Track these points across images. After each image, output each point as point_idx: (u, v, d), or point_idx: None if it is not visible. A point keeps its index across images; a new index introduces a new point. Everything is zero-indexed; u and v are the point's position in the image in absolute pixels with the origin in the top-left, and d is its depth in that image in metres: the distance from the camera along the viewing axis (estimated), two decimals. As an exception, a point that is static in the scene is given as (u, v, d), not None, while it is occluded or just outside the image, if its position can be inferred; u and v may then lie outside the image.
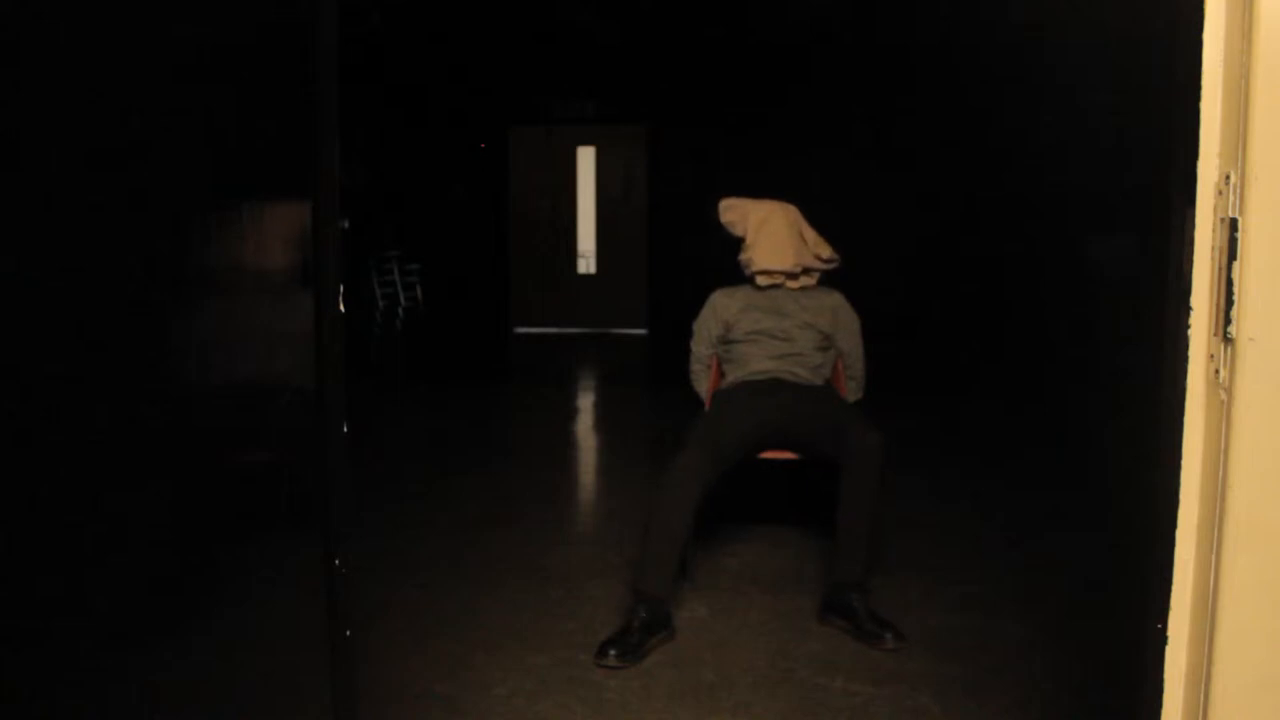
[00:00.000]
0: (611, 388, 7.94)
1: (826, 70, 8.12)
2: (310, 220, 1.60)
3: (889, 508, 3.35)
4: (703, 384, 3.69)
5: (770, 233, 3.51)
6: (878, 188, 7.80)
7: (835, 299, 3.59)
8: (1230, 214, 1.33)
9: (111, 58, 1.21)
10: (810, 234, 3.58)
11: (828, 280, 3.65)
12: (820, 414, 3.27)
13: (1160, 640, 1.45)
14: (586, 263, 11.03)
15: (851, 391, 3.67)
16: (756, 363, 3.47)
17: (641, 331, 10.07)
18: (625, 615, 2.91)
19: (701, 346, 3.66)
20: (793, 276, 3.54)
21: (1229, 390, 1.34)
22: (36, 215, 1.10)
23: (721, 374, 3.66)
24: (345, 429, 1.63)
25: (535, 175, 10.67)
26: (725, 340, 3.58)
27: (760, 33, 8.24)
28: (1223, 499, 1.36)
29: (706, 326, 3.63)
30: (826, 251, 3.57)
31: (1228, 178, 1.34)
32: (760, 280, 3.53)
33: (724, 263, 3.70)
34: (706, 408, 3.57)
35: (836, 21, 7.83)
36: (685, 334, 3.75)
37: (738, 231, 3.58)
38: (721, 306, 3.59)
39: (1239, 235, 1.32)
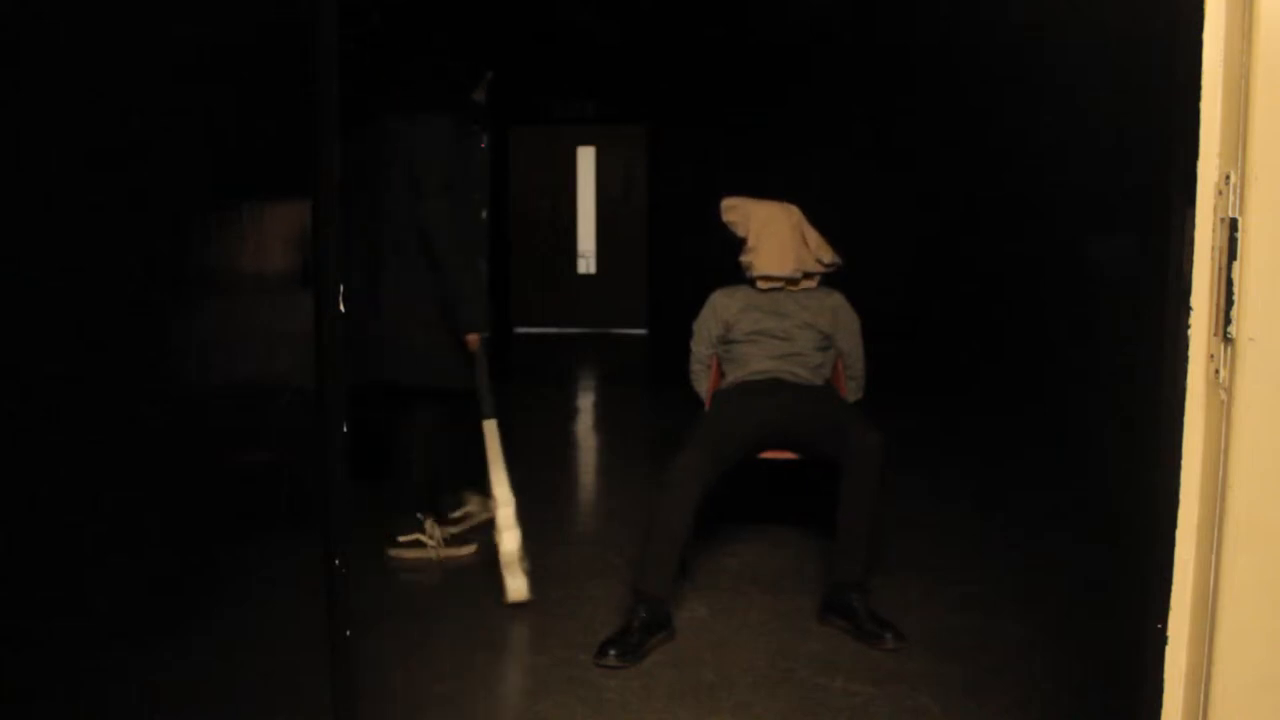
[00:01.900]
0: (611, 388, 7.94)
1: (826, 70, 8.12)
2: (310, 220, 1.60)
3: (889, 508, 3.35)
4: (703, 384, 3.70)
5: (772, 236, 3.51)
6: (878, 188, 7.79)
7: (836, 299, 3.60)
8: (1230, 214, 1.33)
9: (111, 58, 1.21)
10: (813, 236, 3.57)
11: (829, 280, 3.66)
12: (820, 414, 3.27)
13: (1160, 640, 1.45)
14: (586, 263, 11.02)
15: (851, 392, 3.67)
16: (756, 363, 3.47)
17: (641, 331, 10.07)
18: (625, 615, 2.91)
19: (701, 346, 3.66)
20: (793, 282, 3.54)
21: (1229, 390, 1.34)
22: (36, 215, 1.10)
23: (721, 374, 3.66)
24: (345, 429, 1.63)
25: (535, 175, 10.67)
26: (725, 340, 3.58)
27: (760, 33, 8.23)
28: (1223, 499, 1.36)
29: (706, 327, 3.63)
30: (828, 256, 3.57)
31: (1228, 178, 1.34)
32: (761, 285, 3.54)
33: (724, 263, 3.70)
34: (706, 407, 3.57)
35: (836, 21, 7.82)
36: (685, 334, 3.75)
37: (740, 232, 3.58)
38: (721, 306, 3.59)
39: (1239, 235, 1.32)
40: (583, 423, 6.63)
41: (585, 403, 7.41)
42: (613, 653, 2.74)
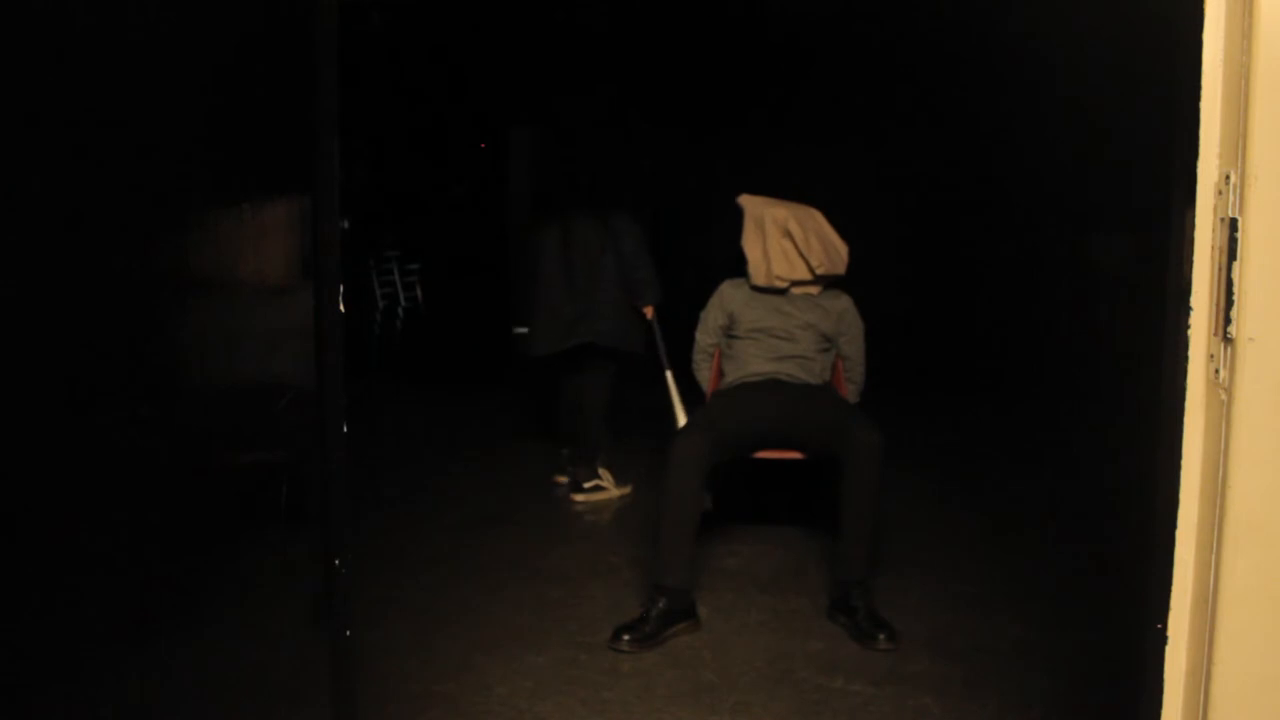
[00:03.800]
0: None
1: (826, 70, 8.12)
2: (310, 221, 1.60)
3: (889, 507, 3.35)
4: (704, 372, 3.72)
5: (754, 244, 3.52)
6: (878, 188, 7.79)
7: (843, 303, 3.58)
8: (1230, 214, 1.33)
9: (111, 58, 1.21)
10: (811, 239, 3.51)
11: (839, 283, 3.64)
12: (819, 413, 3.27)
13: (1160, 640, 1.45)
14: (587, 263, 11.00)
15: (850, 395, 3.65)
16: (756, 364, 3.46)
17: (641, 331, 10.05)
18: (644, 604, 2.92)
19: (705, 336, 3.68)
20: (777, 292, 3.52)
21: (1229, 390, 1.34)
22: (37, 215, 1.10)
23: (721, 374, 3.66)
24: (345, 429, 1.63)
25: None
26: (729, 334, 3.58)
27: (760, 33, 8.23)
28: (1223, 499, 1.35)
29: (711, 316, 3.65)
30: (822, 266, 3.51)
31: (1228, 178, 1.34)
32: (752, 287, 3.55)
33: (725, 264, 3.70)
34: (708, 397, 3.58)
35: (836, 21, 7.82)
36: (685, 334, 3.76)
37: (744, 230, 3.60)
38: (728, 297, 3.60)
39: (1239, 235, 1.32)
40: (583, 423, 6.60)
41: (585, 403, 7.39)
42: (626, 638, 2.76)
